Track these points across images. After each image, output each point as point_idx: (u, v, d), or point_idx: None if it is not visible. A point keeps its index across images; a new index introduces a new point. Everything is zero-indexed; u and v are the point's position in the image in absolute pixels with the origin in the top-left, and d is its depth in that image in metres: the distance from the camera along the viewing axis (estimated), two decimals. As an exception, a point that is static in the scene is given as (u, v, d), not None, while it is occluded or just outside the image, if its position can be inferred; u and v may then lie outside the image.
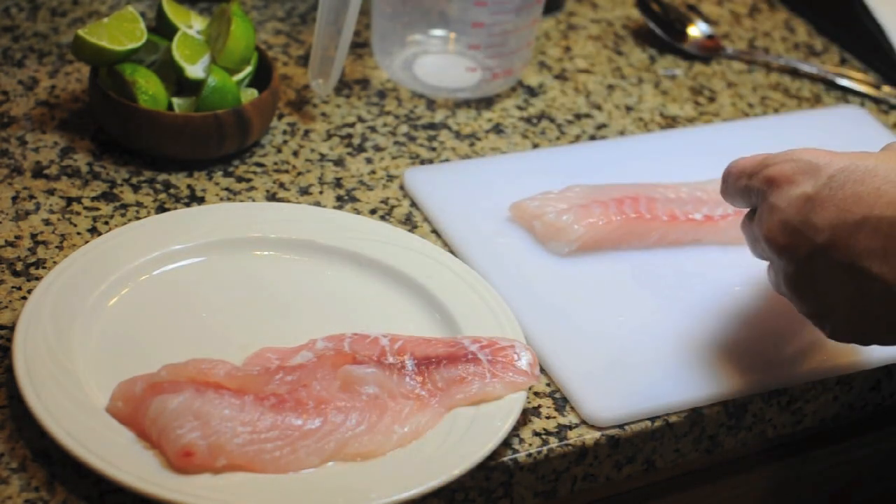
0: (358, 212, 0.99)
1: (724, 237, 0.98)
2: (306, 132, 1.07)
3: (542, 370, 0.88)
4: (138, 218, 0.95)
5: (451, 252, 0.96)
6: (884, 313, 0.77)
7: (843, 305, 0.78)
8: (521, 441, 0.83)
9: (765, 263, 0.86)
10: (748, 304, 0.94)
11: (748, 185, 0.83)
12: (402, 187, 1.02)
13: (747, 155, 0.85)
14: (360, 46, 1.17)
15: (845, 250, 0.76)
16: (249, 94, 1.03)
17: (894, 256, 0.75)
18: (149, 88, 0.98)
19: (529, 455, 0.82)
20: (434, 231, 0.98)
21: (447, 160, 1.05)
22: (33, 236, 0.92)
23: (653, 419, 0.85)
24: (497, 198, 1.00)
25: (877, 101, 1.22)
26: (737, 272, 0.96)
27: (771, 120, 1.17)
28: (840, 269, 0.77)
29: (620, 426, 0.85)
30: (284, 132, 1.06)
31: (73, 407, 0.76)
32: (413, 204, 1.00)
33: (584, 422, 0.84)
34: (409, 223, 0.98)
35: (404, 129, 1.09)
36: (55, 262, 0.90)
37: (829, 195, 0.77)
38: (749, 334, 0.92)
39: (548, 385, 0.87)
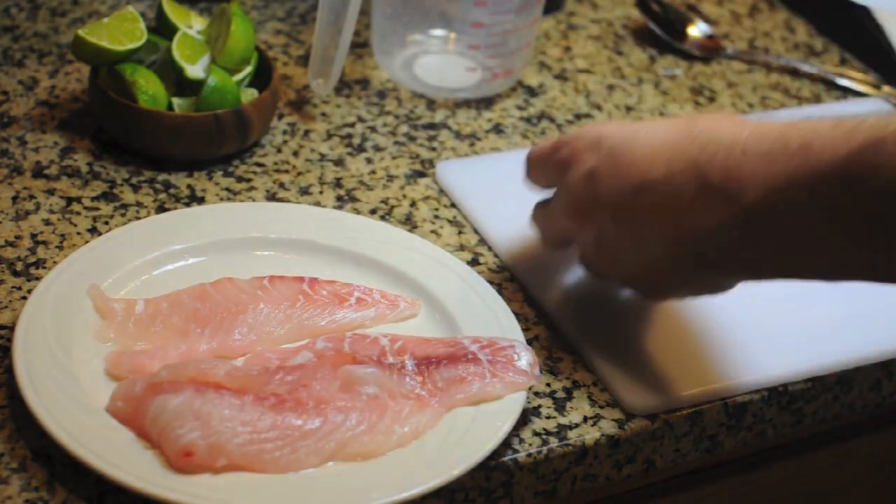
0: (358, 212, 0.99)
1: None
2: (306, 132, 1.07)
3: (563, 360, 0.88)
4: (138, 218, 0.95)
5: (486, 243, 0.97)
6: (678, 262, 0.80)
7: (646, 264, 0.82)
8: (521, 441, 0.83)
9: None
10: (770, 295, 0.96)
11: (546, 170, 0.88)
12: (402, 188, 1.02)
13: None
14: (360, 46, 1.17)
15: (632, 214, 0.80)
16: (249, 94, 1.03)
17: (671, 213, 0.78)
18: (149, 88, 0.98)
19: (529, 455, 0.82)
20: (455, 222, 0.98)
21: (466, 156, 1.06)
22: (33, 236, 0.92)
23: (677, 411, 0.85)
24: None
25: (883, 101, 1.22)
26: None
27: (782, 114, 1.18)
28: (631, 232, 0.81)
29: (657, 414, 0.86)
30: (284, 132, 1.06)
31: (73, 407, 0.76)
32: (413, 204, 1.00)
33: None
34: (409, 223, 0.98)
35: (404, 129, 1.09)
36: (55, 262, 0.90)
37: (610, 166, 0.81)
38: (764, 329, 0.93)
39: (548, 385, 0.87)
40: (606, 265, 0.85)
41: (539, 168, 0.89)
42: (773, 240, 0.76)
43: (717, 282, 0.83)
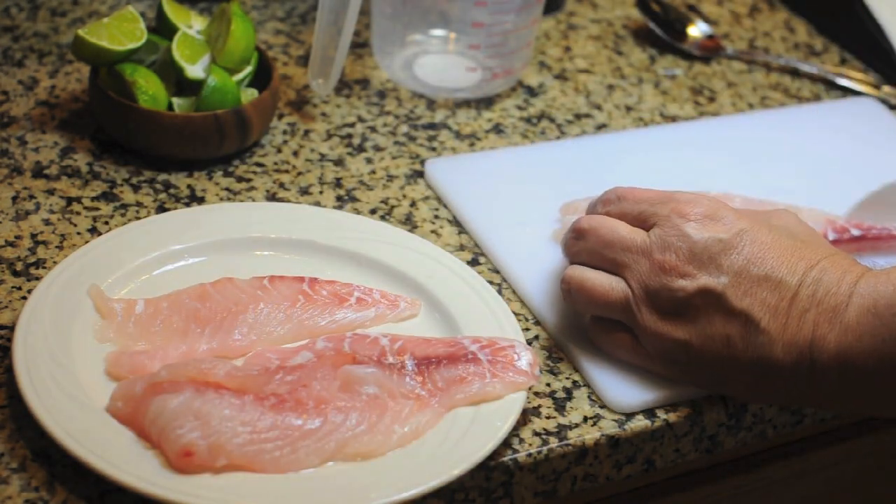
0: (358, 212, 0.99)
1: None
2: (306, 132, 1.07)
3: (563, 359, 0.88)
4: (138, 218, 0.95)
5: (475, 242, 0.97)
6: (749, 366, 0.81)
7: (715, 345, 0.81)
8: (521, 441, 0.83)
9: None
10: None
11: (650, 211, 0.85)
12: (402, 188, 1.02)
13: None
14: (360, 46, 1.17)
15: (742, 297, 0.81)
16: (249, 94, 1.03)
17: (784, 315, 0.80)
18: (149, 88, 0.98)
19: (529, 455, 0.82)
20: (455, 222, 0.98)
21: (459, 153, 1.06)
22: (33, 236, 0.92)
23: (667, 407, 0.85)
24: (521, 189, 1.01)
25: (877, 101, 1.22)
26: None
27: (777, 114, 1.17)
28: (730, 312, 0.81)
29: (641, 413, 0.85)
30: (284, 132, 1.06)
31: (73, 407, 0.76)
32: (413, 204, 1.00)
33: (606, 407, 0.85)
34: (409, 223, 0.98)
35: (404, 129, 1.09)
36: (55, 262, 0.90)
37: (739, 244, 0.82)
38: None
39: (548, 385, 0.87)
40: (674, 324, 0.83)
41: (638, 207, 0.86)
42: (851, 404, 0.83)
43: None
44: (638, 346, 0.85)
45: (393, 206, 1.00)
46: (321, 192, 1.00)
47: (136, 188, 0.98)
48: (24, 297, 0.87)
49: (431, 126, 1.10)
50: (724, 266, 0.81)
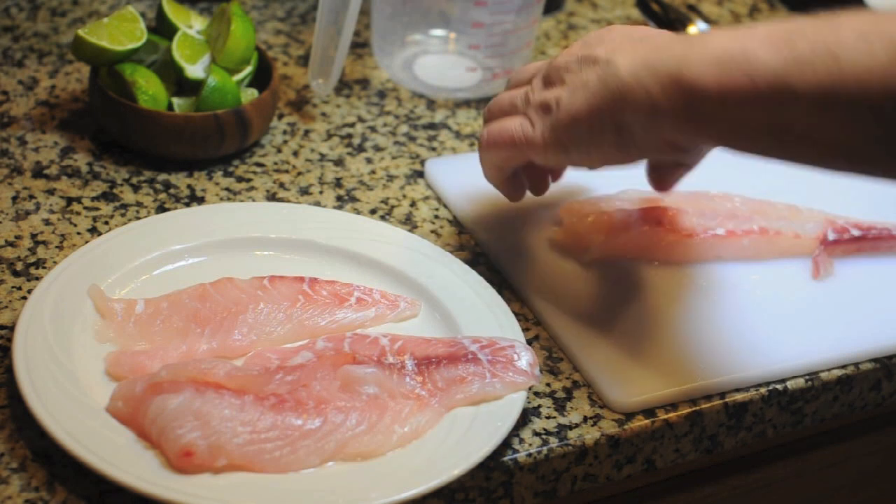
0: (358, 212, 0.99)
1: (746, 253, 0.98)
2: (306, 132, 1.07)
3: (563, 359, 0.88)
4: (138, 218, 0.95)
5: (475, 242, 0.97)
6: (604, 102, 0.82)
7: (578, 92, 0.83)
8: (521, 441, 0.83)
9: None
10: (757, 305, 0.95)
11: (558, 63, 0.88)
12: (402, 187, 1.02)
13: None
14: (360, 46, 1.17)
15: (613, 51, 0.82)
16: (249, 94, 1.03)
17: (642, 51, 0.81)
18: (149, 88, 0.98)
19: (529, 455, 0.82)
20: (455, 222, 0.98)
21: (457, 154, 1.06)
22: (33, 236, 0.92)
23: (669, 406, 0.85)
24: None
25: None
26: (755, 284, 0.97)
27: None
28: (596, 62, 0.83)
29: (641, 413, 0.85)
30: (284, 132, 1.06)
31: (73, 407, 0.76)
32: (413, 204, 1.01)
33: (606, 407, 0.85)
34: (409, 223, 0.98)
35: (404, 129, 1.09)
36: (55, 262, 0.90)
37: (628, 31, 0.85)
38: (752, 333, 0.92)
39: (548, 385, 0.87)
40: (555, 84, 0.85)
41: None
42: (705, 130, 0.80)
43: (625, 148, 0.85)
44: (523, 124, 0.86)
45: (393, 206, 1.00)
46: (321, 192, 1.00)
47: (136, 188, 0.98)
48: (24, 297, 0.87)
49: (431, 126, 1.10)
50: (605, 41, 0.84)
